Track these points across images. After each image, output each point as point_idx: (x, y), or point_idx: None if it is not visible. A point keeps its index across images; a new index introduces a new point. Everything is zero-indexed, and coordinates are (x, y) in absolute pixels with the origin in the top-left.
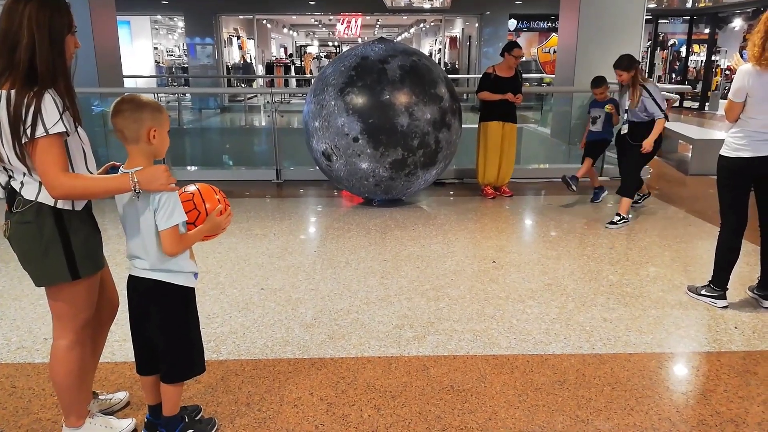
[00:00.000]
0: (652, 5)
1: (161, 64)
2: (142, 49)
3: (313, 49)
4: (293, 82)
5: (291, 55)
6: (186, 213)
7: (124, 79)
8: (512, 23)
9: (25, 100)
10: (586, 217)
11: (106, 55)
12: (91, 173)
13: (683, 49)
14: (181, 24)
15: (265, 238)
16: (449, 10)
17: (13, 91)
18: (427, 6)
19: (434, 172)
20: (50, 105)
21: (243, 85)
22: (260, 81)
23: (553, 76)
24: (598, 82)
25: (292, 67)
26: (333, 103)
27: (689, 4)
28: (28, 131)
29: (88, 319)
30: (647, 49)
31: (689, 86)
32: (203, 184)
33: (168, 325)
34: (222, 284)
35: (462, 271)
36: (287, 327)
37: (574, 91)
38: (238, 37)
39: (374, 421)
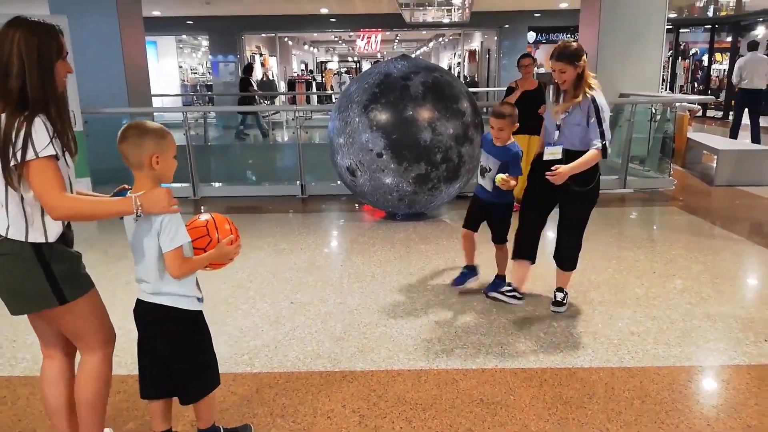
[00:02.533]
0: (673, 15)
1: (186, 83)
2: (167, 68)
3: (334, 65)
4: (314, 98)
5: (312, 72)
6: (198, 239)
7: (152, 98)
8: (531, 36)
9: (16, 124)
10: (609, 231)
11: (135, 76)
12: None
13: (705, 58)
14: (205, 43)
15: (292, 252)
16: (468, 24)
17: (3, 115)
18: (446, 20)
19: (457, 186)
20: (41, 129)
21: (266, 102)
22: (282, 97)
23: None
24: (500, 113)
25: (314, 83)
26: (357, 119)
27: (710, 13)
28: (18, 154)
29: (109, 334)
30: (669, 58)
31: (712, 96)
32: (217, 214)
33: (177, 350)
34: (253, 298)
35: (487, 285)
36: (318, 340)
37: None
38: (261, 55)
39: None
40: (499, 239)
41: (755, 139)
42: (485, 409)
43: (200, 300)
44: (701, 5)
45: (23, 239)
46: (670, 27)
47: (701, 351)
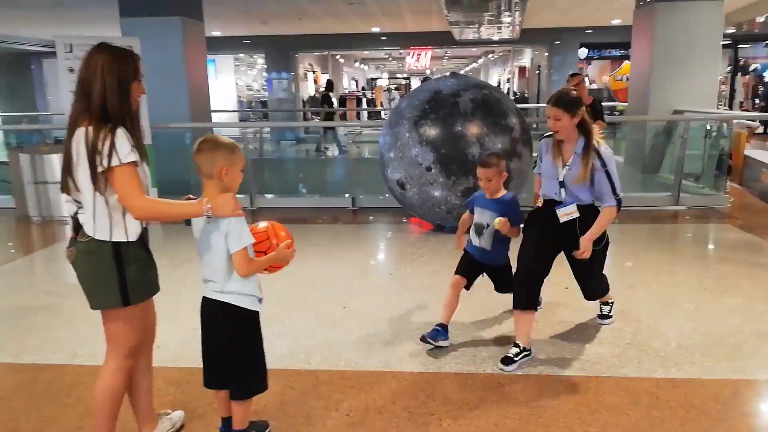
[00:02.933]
0: (731, 30)
1: (242, 99)
2: (225, 85)
3: (383, 82)
4: (365, 113)
5: (363, 88)
6: (260, 243)
7: (212, 113)
8: (582, 52)
9: (101, 134)
10: (660, 247)
11: (197, 93)
12: None
13: (766, 74)
14: (260, 60)
15: (345, 261)
16: (518, 41)
17: (90, 128)
18: (495, 38)
19: None
20: (123, 138)
21: (318, 118)
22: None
23: (626, 104)
24: (486, 162)
25: (364, 100)
26: (407, 135)
27: None
28: (104, 161)
29: (136, 345)
30: (728, 74)
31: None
32: (274, 221)
33: (234, 345)
34: (309, 302)
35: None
36: (369, 343)
37: (648, 120)
38: (313, 72)
39: (453, 430)
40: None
41: None
42: (530, 412)
43: (260, 301)
44: (762, 20)
45: (108, 239)
46: (729, 42)
47: (749, 366)
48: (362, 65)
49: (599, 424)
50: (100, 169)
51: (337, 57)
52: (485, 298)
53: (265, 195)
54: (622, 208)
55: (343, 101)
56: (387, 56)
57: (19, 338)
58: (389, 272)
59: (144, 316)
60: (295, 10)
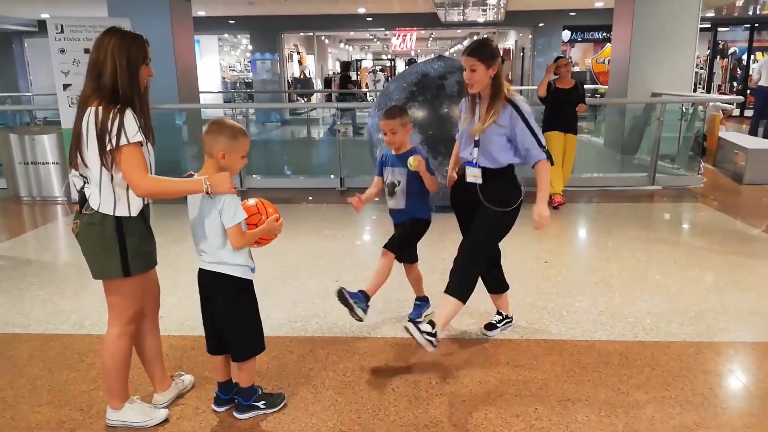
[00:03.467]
0: (711, 14)
1: (226, 80)
2: (209, 66)
3: (368, 63)
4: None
5: (347, 69)
6: (251, 216)
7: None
8: (566, 34)
9: (110, 115)
10: (635, 224)
11: (185, 74)
12: None
13: (744, 57)
14: (244, 41)
15: (335, 238)
16: (502, 23)
17: (100, 108)
18: (480, 20)
19: None
20: (131, 119)
21: (303, 100)
22: (318, 95)
23: (607, 87)
24: (390, 113)
25: (350, 81)
26: None
27: (751, 12)
28: (113, 140)
29: (136, 313)
30: (706, 57)
31: (741, 96)
32: (261, 198)
33: (229, 312)
34: (302, 276)
35: (516, 269)
36: None
37: (626, 102)
38: (298, 53)
39: (442, 387)
40: (408, 257)
41: None
42: (511, 370)
43: (252, 270)
44: (740, 4)
45: (111, 213)
46: (708, 26)
47: (711, 330)
48: (347, 46)
49: (573, 380)
50: (108, 148)
51: (323, 38)
52: None
53: (253, 176)
54: (601, 188)
55: (328, 82)
56: (372, 37)
57: (26, 311)
58: (379, 248)
59: (143, 287)
60: None
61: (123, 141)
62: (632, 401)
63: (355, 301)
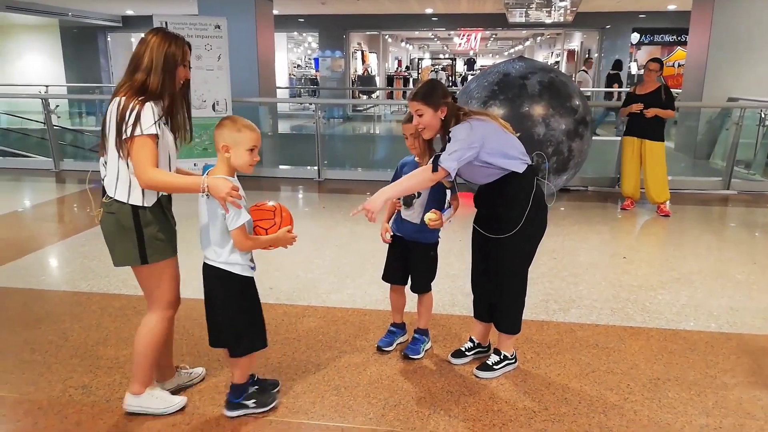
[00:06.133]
0: None
1: (293, 76)
2: (279, 63)
3: (427, 62)
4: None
5: (408, 68)
6: (263, 220)
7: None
8: (635, 36)
9: (131, 105)
10: (711, 226)
11: (265, 70)
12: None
13: None
14: (310, 39)
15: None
16: (569, 24)
17: (124, 98)
18: (547, 21)
19: (564, 177)
20: (148, 112)
21: (366, 96)
22: (379, 92)
23: (679, 90)
24: (412, 118)
25: (411, 80)
26: None
27: None
28: (129, 130)
29: (172, 299)
30: None
31: None
32: (284, 206)
33: (228, 307)
34: None
35: (596, 264)
36: (450, 293)
37: (702, 107)
38: (361, 51)
39: (535, 362)
40: (419, 287)
41: None
42: (600, 351)
43: (253, 268)
44: None
45: (126, 201)
46: None
47: None
48: (407, 45)
49: (662, 362)
50: (123, 137)
51: (386, 36)
52: (551, 267)
53: (337, 168)
54: (674, 191)
55: (390, 80)
56: (433, 36)
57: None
58: (458, 238)
59: (172, 274)
60: None
61: (137, 131)
62: (720, 383)
63: (393, 339)
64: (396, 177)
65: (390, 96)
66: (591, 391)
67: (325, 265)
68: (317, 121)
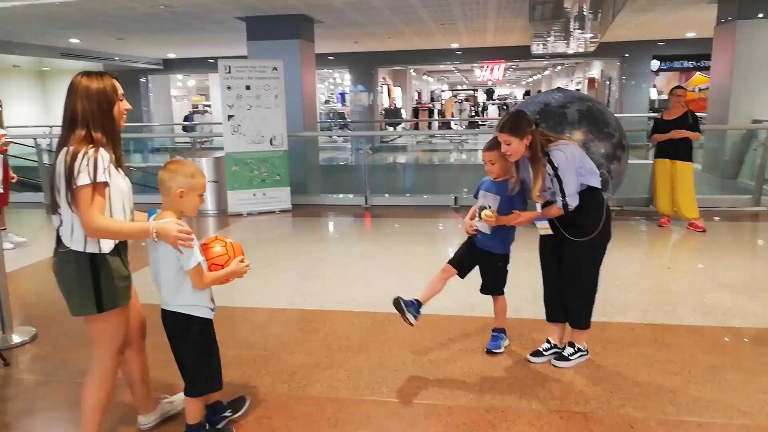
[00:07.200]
0: None
1: (321, 111)
2: None
3: (447, 94)
4: (435, 124)
5: (432, 99)
6: (219, 256)
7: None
8: (654, 64)
9: (78, 156)
10: (745, 239)
11: (309, 105)
12: (128, 218)
13: None
14: (336, 75)
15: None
16: (590, 54)
17: (71, 148)
18: (570, 51)
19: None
20: (98, 159)
21: (393, 129)
22: (405, 124)
23: (704, 114)
24: (489, 146)
25: (435, 111)
26: None
27: None
28: (77, 180)
29: (119, 347)
30: None
31: None
32: (226, 238)
33: (184, 349)
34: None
35: (643, 273)
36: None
37: (728, 129)
38: (387, 85)
39: (603, 355)
40: (488, 290)
41: None
42: (660, 345)
43: (212, 310)
44: None
45: (83, 250)
46: None
47: None
48: (428, 77)
49: (717, 353)
50: (73, 187)
51: (411, 70)
52: (603, 277)
53: (383, 195)
54: (703, 208)
55: (416, 112)
56: (453, 69)
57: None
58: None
59: (124, 320)
60: (388, 30)
61: (84, 181)
62: None
63: (409, 309)
64: (476, 193)
65: (416, 127)
66: (657, 375)
67: (401, 276)
68: (364, 152)
